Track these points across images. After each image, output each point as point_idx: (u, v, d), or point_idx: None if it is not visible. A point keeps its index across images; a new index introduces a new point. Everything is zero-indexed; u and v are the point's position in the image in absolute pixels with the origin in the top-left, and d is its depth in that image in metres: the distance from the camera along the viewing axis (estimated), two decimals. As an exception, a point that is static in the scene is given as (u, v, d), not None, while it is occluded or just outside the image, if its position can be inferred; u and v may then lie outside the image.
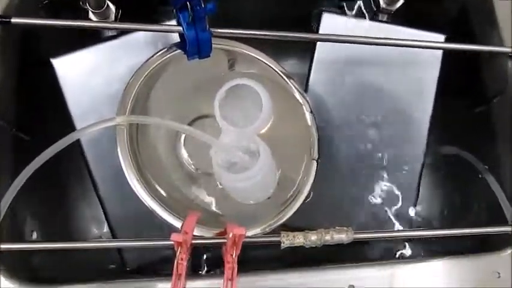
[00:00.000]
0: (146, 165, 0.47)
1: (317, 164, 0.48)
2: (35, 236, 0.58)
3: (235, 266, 0.37)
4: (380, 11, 0.57)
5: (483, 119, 0.59)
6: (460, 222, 0.60)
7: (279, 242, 0.42)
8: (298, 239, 0.41)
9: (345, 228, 0.42)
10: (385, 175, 0.54)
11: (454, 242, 0.48)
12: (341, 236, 0.41)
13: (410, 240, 0.55)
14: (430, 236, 0.47)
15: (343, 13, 0.57)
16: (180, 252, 0.37)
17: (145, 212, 0.45)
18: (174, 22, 0.48)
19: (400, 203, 0.54)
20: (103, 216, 0.51)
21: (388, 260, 0.52)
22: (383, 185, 0.53)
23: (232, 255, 0.37)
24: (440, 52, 0.55)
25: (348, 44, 0.52)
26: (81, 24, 0.45)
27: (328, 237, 0.41)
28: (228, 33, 0.45)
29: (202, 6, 0.42)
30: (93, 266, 0.57)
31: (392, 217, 0.53)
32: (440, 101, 0.55)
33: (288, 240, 0.41)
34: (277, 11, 0.65)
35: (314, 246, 0.42)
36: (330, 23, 0.55)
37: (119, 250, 0.52)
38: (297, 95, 0.49)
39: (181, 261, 0.37)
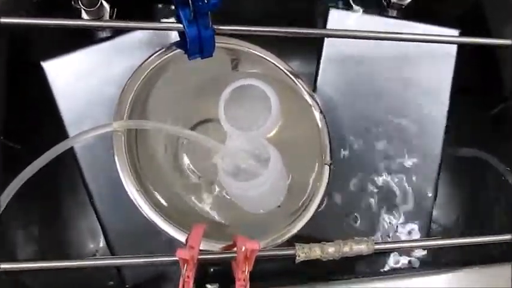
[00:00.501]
0: (146, 174, 0.45)
1: (330, 169, 0.46)
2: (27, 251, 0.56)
3: (248, 283, 0.34)
4: (390, 6, 0.55)
5: (501, 118, 0.56)
6: (481, 228, 0.57)
7: (294, 256, 0.39)
8: (314, 252, 0.38)
9: (364, 238, 0.39)
10: (401, 179, 0.51)
11: (478, 250, 0.45)
12: (361, 247, 0.39)
13: (430, 249, 0.52)
14: (452, 245, 0.44)
15: (351, 9, 0.55)
16: (186, 269, 0.34)
17: (145, 224, 0.43)
18: (173, 20, 0.45)
19: (416, 209, 0.51)
20: (99, 228, 0.49)
21: (405, 270, 0.49)
22: (399, 190, 0.51)
23: (244, 271, 0.34)
24: (454, 49, 0.52)
25: (357, 40, 0.50)
26: (74, 23, 0.43)
27: (347, 249, 0.38)
28: (233, 30, 0.43)
29: (205, 1, 0.39)
30: (90, 283, 0.54)
31: (408, 224, 0.50)
32: (455, 100, 0.52)
33: (304, 253, 0.38)
34: (278, 9, 0.63)
35: (331, 259, 0.39)
36: (337, 19, 0.52)
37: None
38: (306, 96, 0.48)
39: (188, 279, 0.34)
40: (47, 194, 0.59)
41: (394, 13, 0.55)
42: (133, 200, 0.42)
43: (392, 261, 0.52)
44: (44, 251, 0.57)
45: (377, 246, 0.39)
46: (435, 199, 0.51)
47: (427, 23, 0.52)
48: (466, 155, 0.56)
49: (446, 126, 0.52)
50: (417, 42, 0.51)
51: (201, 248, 0.38)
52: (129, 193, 0.42)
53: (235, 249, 0.38)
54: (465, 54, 0.53)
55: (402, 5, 0.54)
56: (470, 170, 0.59)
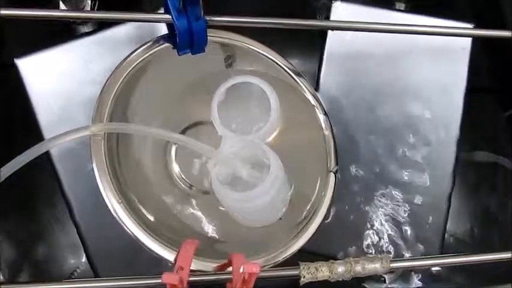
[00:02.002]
0: (129, 184, 0.42)
1: (335, 177, 0.43)
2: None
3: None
4: (397, -1, 0.52)
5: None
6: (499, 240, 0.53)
7: (298, 276, 0.35)
8: (321, 272, 0.34)
9: (379, 255, 0.35)
10: (413, 187, 0.47)
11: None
12: (375, 265, 0.34)
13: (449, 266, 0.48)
14: (471, 263, 0.40)
15: (355, 2, 0.51)
16: (174, 295, 0.29)
17: (129, 240, 0.40)
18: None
19: (430, 221, 0.47)
20: (80, 243, 0.46)
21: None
22: (411, 200, 0.46)
23: (241, 297, 0.30)
24: (469, 44, 0.49)
25: (362, 36, 0.47)
26: (51, 14, 0.40)
27: (359, 268, 0.34)
28: (228, 21, 0.40)
29: (196, -14, 0.36)
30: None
31: (422, 238, 0.46)
32: (469, 101, 0.49)
33: (309, 273, 0.34)
34: (277, 8, 0.60)
35: (341, 279, 0.34)
36: (341, 12, 0.49)
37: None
38: (308, 96, 0.45)
39: (177, 306, 0.29)
40: (23, 206, 0.56)
41: (402, 6, 0.53)
42: (114, 213, 0.39)
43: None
44: (19, 269, 0.55)
45: (393, 265, 0.35)
46: (449, 209, 0.47)
47: (438, 18, 0.49)
48: (482, 160, 0.52)
49: (461, 128, 0.48)
50: (427, 38, 0.47)
51: (192, 267, 0.35)
52: (109, 205, 0.39)
53: (230, 268, 0.34)
54: (479, 51, 0.49)
55: (411, -3, 0.51)
56: (486, 176, 0.56)
